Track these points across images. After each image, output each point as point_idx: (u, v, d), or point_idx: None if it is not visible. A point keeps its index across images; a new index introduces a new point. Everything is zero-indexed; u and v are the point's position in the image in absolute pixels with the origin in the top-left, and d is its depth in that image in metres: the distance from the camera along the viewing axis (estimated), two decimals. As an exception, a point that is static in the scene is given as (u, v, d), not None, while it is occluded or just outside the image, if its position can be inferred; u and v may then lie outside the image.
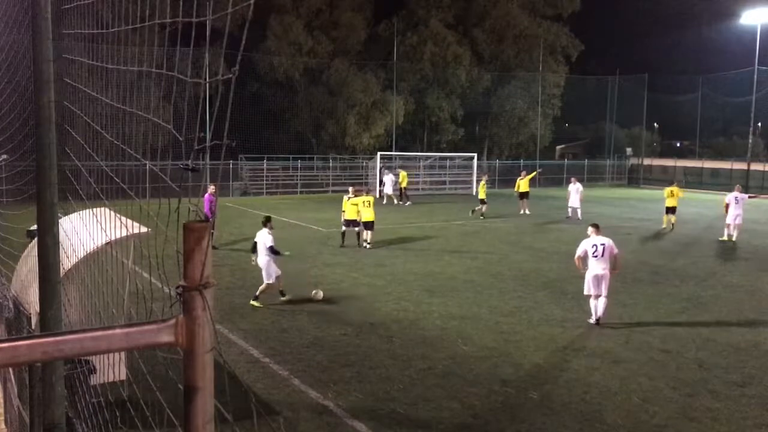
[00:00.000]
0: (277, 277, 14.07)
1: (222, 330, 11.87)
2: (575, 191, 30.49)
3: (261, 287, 14.06)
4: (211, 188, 21.41)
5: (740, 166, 51.20)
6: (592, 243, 12.89)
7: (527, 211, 32.17)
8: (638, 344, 11.84)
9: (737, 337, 12.43)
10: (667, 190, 27.94)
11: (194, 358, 1.58)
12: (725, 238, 24.33)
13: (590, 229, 13.28)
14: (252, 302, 13.96)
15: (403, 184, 37.28)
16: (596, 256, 12.78)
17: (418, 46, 52.93)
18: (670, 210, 27.35)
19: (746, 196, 25.21)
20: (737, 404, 9.26)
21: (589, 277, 12.87)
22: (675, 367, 10.69)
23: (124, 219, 4.77)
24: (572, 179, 31.91)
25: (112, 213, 4.47)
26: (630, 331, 12.61)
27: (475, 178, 46.73)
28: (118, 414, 3.93)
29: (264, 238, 13.98)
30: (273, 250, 13.83)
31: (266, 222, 14.32)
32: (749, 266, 19.70)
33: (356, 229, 21.55)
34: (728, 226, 24.40)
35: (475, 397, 9.36)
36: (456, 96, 54.60)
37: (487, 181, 32.61)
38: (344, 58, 49.81)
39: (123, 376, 7.06)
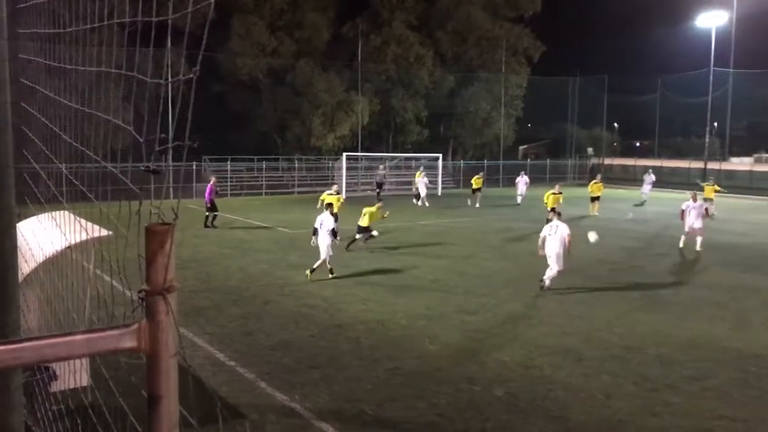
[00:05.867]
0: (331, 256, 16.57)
1: (187, 334, 11.70)
2: (523, 183, 39.43)
3: (317, 263, 16.45)
4: (213, 179, 26.69)
5: (698, 165, 52.63)
6: None
7: (477, 205, 35.72)
8: (599, 342, 12.04)
9: (695, 332, 12.72)
10: (590, 185, 34.14)
11: (158, 363, 1.56)
12: (683, 246, 22.16)
13: None
14: (307, 272, 16.44)
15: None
16: None
17: (381, 47, 53.07)
18: (595, 199, 33.12)
19: (701, 204, 22.88)
20: (696, 398, 9.49)
21: None
22: (636, 363, 10.89)
23: (84, 222, 4.67)
24: (522, 173, 40.04)
25: (72, 216, 4.38)
26: (591, 329, 12.80)
27: (440, 179, 46.99)
28: (79, 421, 3.85)
29: (327, 221, 16.54)
30: (333, 233, 16.60)
31: (328, 206, 17.86)
32: (707, 262, 20.19)
33: (358, 236, 20.85)
34: (687, 233, 22.10)
35: (442, 395, 9.41)
36: (420, 97, 54.90)
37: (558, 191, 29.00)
38: (308, 58, 49.63)
39: (85, 383, 6.91)
